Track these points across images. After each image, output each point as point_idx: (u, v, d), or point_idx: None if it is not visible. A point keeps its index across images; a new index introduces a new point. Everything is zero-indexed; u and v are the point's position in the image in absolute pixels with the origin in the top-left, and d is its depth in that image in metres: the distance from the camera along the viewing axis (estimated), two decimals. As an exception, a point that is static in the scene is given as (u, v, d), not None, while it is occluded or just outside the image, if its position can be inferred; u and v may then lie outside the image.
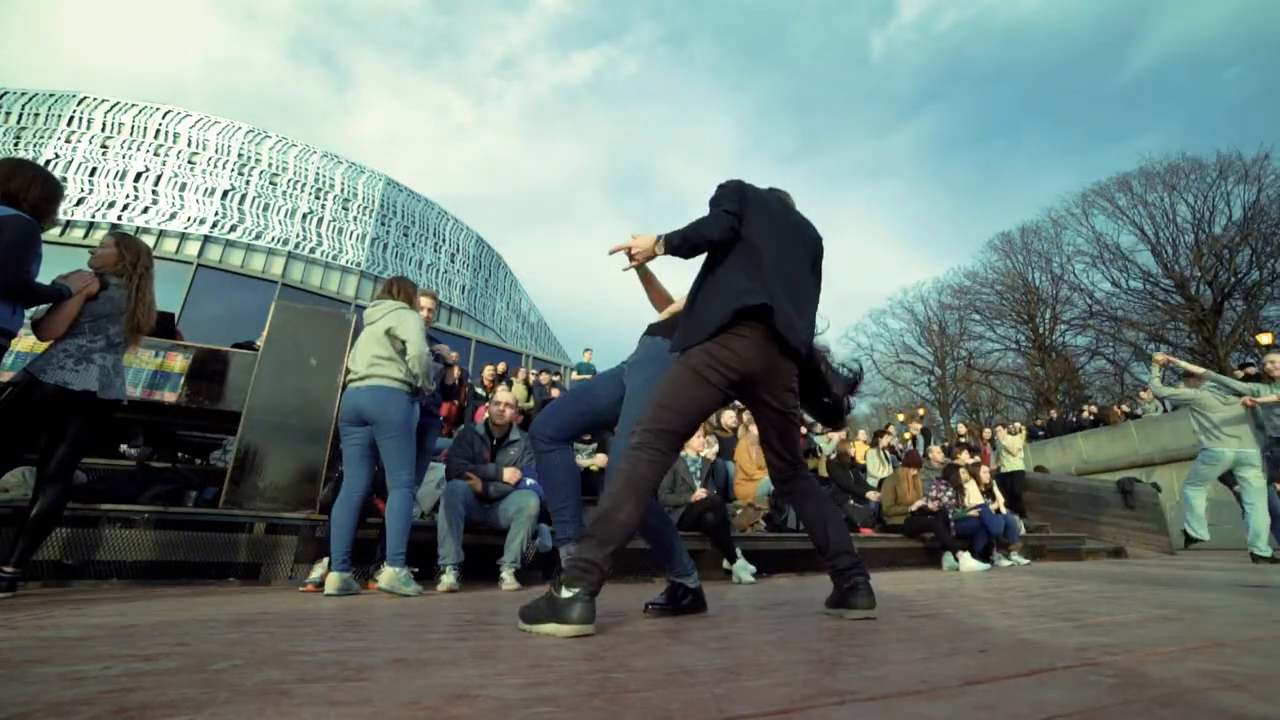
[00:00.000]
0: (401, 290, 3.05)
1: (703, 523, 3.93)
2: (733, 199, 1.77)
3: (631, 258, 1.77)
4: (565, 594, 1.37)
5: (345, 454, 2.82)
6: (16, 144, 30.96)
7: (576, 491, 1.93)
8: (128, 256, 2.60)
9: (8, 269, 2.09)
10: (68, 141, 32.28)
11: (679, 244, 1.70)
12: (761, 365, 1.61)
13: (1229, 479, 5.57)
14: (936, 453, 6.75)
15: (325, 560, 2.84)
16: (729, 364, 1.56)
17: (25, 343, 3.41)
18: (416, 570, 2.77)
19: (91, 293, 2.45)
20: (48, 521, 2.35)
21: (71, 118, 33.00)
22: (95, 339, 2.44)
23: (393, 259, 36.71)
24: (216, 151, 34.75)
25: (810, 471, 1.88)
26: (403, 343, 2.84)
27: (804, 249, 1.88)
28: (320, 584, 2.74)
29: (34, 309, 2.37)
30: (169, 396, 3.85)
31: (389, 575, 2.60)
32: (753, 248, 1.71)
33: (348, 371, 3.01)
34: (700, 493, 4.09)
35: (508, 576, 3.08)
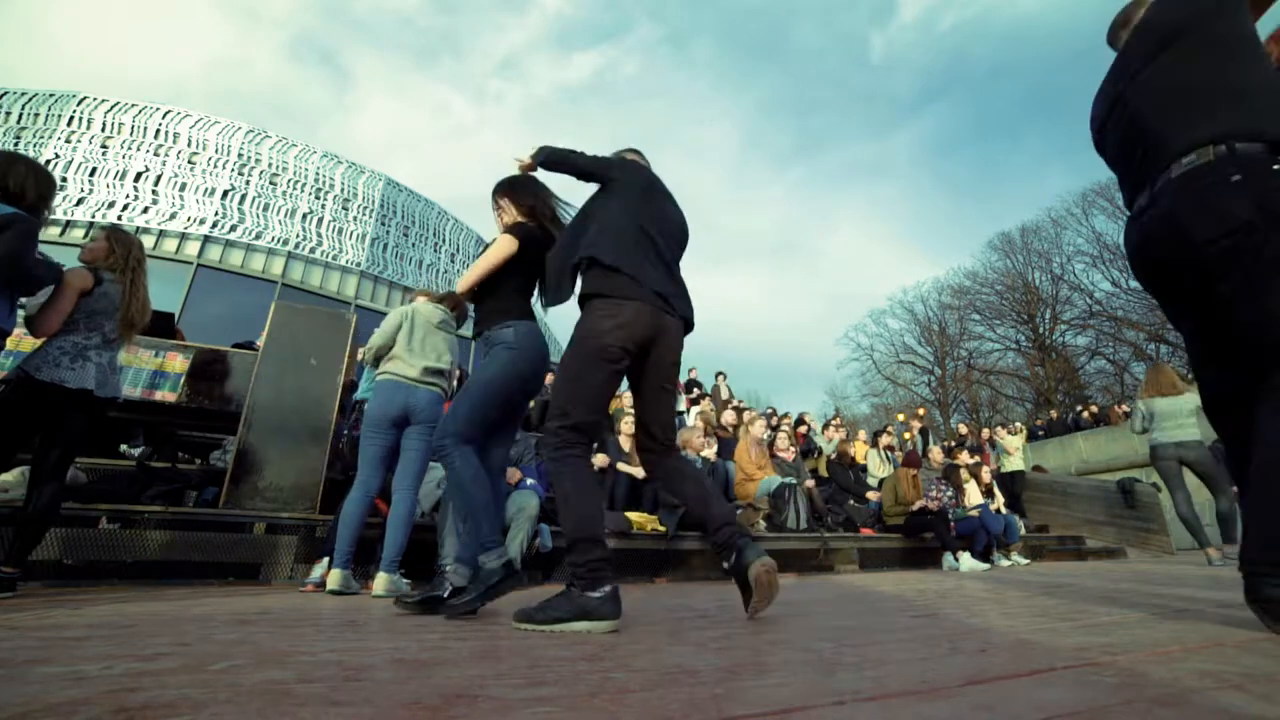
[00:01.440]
0: (460, 317, 3.14)
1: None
2: (603, 161, 1.91)
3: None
4: (597, 593, 1.46)
5: (367, 453, 2.77)
6: (16, 144, 30.86)
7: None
8: (119, 250, 2.54)
9: (16, 270, 2.09)
10: (68, 141, 32.19)
11: (550, 157, 1.92)
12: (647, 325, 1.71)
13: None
14: (936, 453, 6.76)
15: (325, 560, 2.84)
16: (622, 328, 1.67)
17: (26, 342, 3.41)
18: (404, 570, 2.78)
19: (86, 288, 2.40)
20: (43, 520, 2.34)
21: (71, 118, 32.90)
22: (91, 336, 2.40)
23: (393, 259, 36.65)
24: (216, 151, 34.69)
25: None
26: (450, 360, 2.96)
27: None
28: (321, 584, 2.74)
29: (30, 306, 2.35)
30: (169, 396, 3.85)
31: (386, 581, 2.59)
32: (634, 214, 1.84)
33: (377, 361, 2.91)
34: (700, 493, 4.09)
35: (508, 576, 3.08)
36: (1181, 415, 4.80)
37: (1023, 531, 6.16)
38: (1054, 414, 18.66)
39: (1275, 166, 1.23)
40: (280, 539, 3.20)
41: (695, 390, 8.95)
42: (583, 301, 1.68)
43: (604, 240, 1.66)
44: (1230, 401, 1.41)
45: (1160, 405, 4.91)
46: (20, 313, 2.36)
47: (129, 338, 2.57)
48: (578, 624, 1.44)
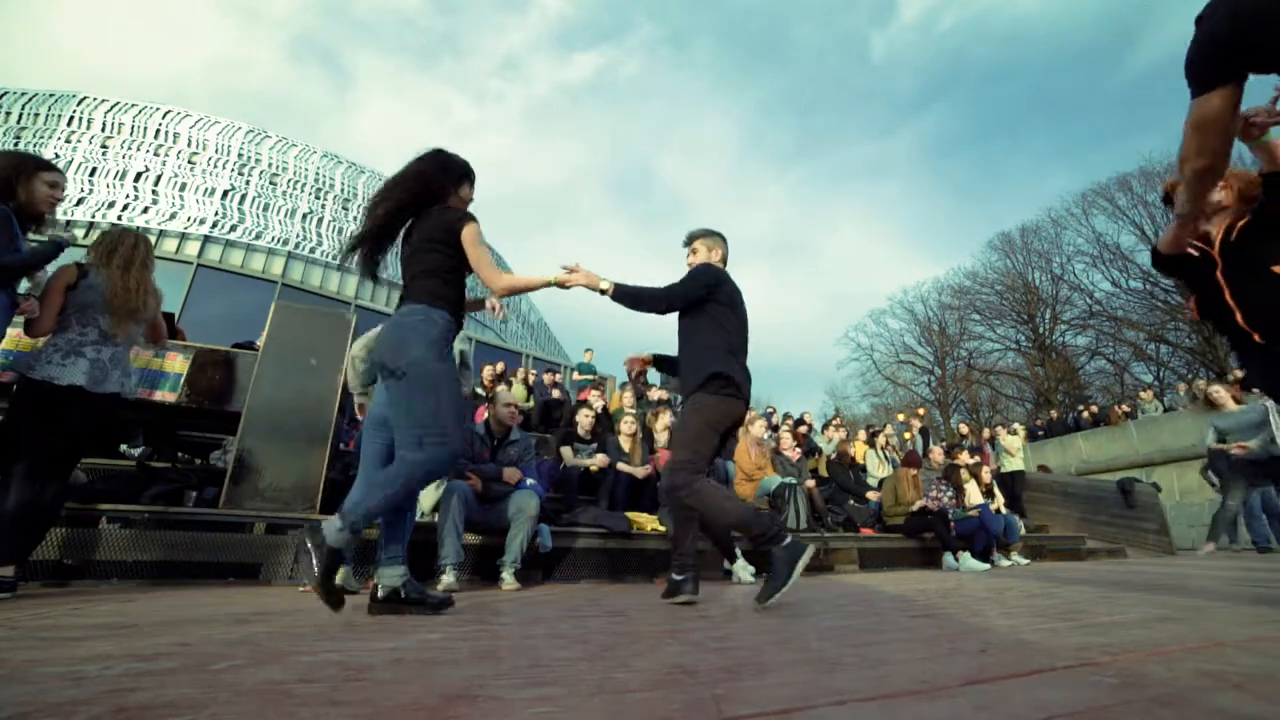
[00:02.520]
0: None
1: (704, 523, 3.93)
2: (697, 287, 2.38)
3: (565, 285, 2.26)
4: (787, 541, 1.98)
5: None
6: (17, 143, 30.95)
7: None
8: (104, 243, 2.50)
9: None
10: (68, 141, 32.25)
11: (626, 297, 2.32)
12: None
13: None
14: (937, 453, 6.75)
15: None
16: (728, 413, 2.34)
17: (24, 342, 3.41)
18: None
19: (70, 282, 2.36)
20: (45, 520, 2.32)
21: (71, 118, 32.97)
22: (85, 331, 2.35)
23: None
24: (216, 151, 34.73)
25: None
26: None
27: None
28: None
29: (30, 310, 2.34)
30: (169, 396, 3.85)
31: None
32: (729, 337, 2.35)
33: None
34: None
35: (508, 576, 3.07)
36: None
37: (1023, 531, 6.16)
38: (1054, 414, 18.65)
39: None
40: (280, 539, 3.20)
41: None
42: (708, 380, 2.25)
43: (733, 363, 2.29)
44: None
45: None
46: (19, 318, 2.35)
47: (126, 329, 2.46)
48: (799, 567, 1.92)
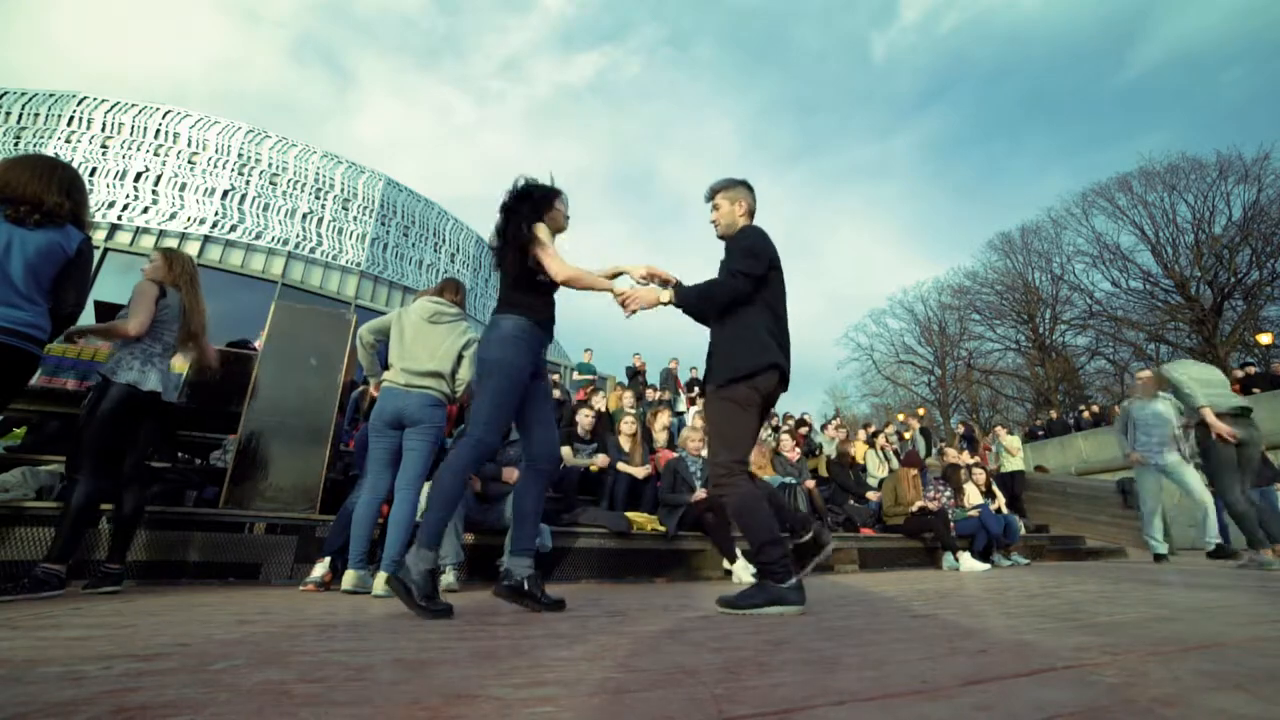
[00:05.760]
0: (462, 297, 3.09)
1: (703, 523, 3.93)
2: (761, 264, 2.12)
3: (626, 306, 2.09)
4: (787, 584, 1.85)
5: (374, 455, 2.81)
6: (17, 144, 30.96)
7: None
8: (177, 266, 2.75)
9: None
10: (68, 141, 32.25)
11: (693, 303, 2.11)
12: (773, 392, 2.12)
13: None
14: (951, 454, 6.73)
15: (326, 560, 2.85)
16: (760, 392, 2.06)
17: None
18: None
19: (157, 296, 2.60)
20: (133, 521, 2.54)
21: (71, 118, 32.97)
22: (154, 344, 2.58)
23: (393, 259, 36.71)
24: (216, 151, 34.73)
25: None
26: (458, 361, 2.90)
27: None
28: (321, 584, 2.75)
29: (121, 313, 2.59)
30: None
31: (386, 581, 2.59)
32: (771, 305, 2.14)
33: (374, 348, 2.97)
34: (701, 493, 4.09)
35: (508, 576, 3.07)
36: (1218, 384, 4.11)
37: (1023, 531, 6.16)
38: (1054, 414, 18.66)
39: None
40: (280, 539, 3.20)
41: (696, 390, 8.95)
42: (742, 377, 2.06)
43: (771, 346, 2.08)
44: None
45: (1197, 372, 4.18)
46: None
47: (188, 345, 2.76)
48: (771, 609, 1.81)
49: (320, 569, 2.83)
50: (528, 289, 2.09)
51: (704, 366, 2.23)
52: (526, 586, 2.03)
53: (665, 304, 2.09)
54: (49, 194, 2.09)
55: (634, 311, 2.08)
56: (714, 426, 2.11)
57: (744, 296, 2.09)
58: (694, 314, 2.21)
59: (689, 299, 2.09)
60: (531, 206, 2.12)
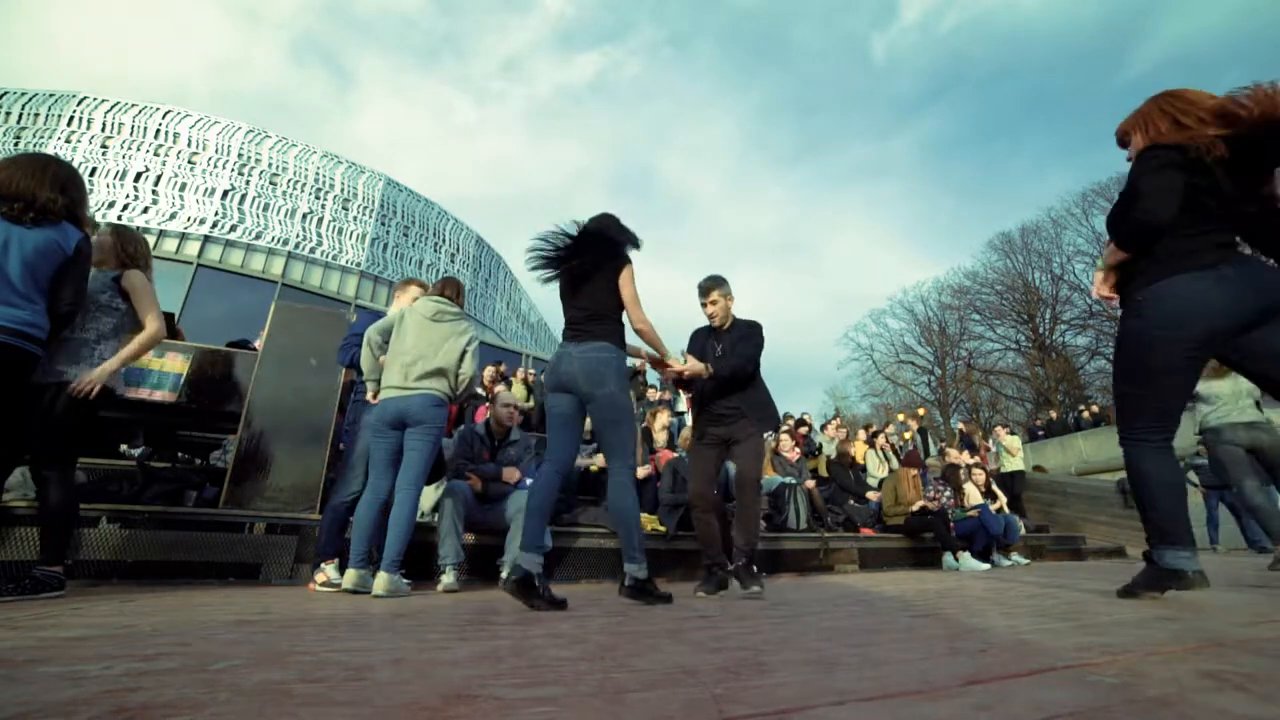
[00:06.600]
0: (461, 297, 3.10)
1: (701, 526, 3.92)
2: (762, 350, 2.89)
3: (681, 380, 2.84)
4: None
5: (375, 456, 2.80)
6: (17, 144, 30.97)
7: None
8: (129, 249, 2.52)
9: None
10: (68, 141, 32.26)
11: (725, 377, 2.78)
12: None
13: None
14: (953, 454, 6.73)
15: (334, 562, 2.85)
16: None
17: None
18: (404, 570, 2.78)
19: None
20: (62, 513, 2.40)
21: (71, 118, 32.98)
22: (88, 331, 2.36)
23: (393, 259, 36.72)
24: (216, 151, 34.73)
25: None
26: (461, 359, 2.92)
27: None
28: (320, 585, 2.75)
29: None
30: (169, 396, 3.85)
31: (386, 581, 2.58)
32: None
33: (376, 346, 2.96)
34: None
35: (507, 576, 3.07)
36: (1244, 397, 4.16)
37: (1023, 531, 6.16)
38: (1054, 414, 18.65)
39: None
40: (280, 539, 3.20)
41: (695, 390, 8.91)
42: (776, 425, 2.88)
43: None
44: None
45: (1219, 388, 4.23)
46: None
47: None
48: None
49: (332, 571, 2.82)
50: (620, 319, 2.43)
51: (725, 401, 2.84)
52: (537, 582, 2.16)
53: (709, 376, 2.75)
54: (42, 190, 2.05)
55: (682, 378, 2.75)
56: (758, 457, 2.87)
57: (755, 371, 2.89)
58: (726, 383, 2.80)
59: (724, 374, 2.76)
60: (632, 244, 2.50)
